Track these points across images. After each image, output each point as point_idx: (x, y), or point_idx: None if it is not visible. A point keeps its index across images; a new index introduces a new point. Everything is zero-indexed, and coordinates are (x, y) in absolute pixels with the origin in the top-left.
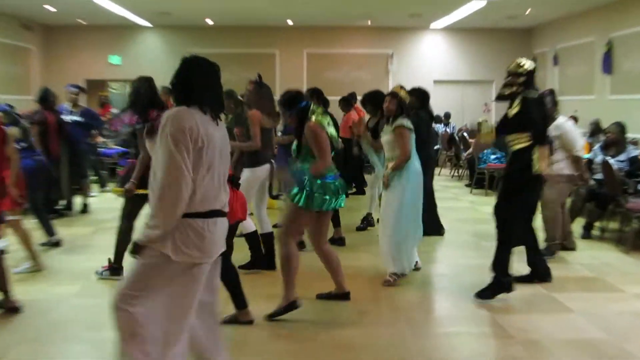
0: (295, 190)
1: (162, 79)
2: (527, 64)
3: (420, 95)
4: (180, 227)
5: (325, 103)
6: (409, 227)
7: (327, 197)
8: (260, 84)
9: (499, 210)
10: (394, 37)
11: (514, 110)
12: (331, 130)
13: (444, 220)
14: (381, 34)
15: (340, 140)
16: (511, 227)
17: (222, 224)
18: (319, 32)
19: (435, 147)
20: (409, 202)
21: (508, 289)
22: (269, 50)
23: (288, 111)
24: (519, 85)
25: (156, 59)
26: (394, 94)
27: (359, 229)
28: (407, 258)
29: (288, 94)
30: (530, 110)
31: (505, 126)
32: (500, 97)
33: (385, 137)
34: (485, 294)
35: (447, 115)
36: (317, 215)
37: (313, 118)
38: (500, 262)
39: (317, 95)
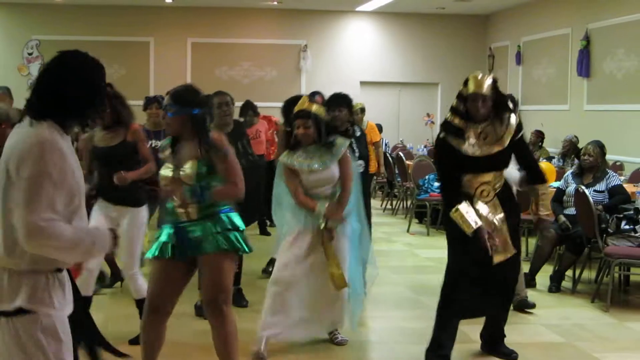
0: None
1: None
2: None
3: (350, 105)
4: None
5: None
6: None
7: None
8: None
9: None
10: (308, 23)
11: (509, 137)
12: None
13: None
14: (291, 18)
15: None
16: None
17: None
18: (208, 15)
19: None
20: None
21: None
22: (141, 37)
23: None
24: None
25: None
26: (307, 114)
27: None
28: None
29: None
30: (523, 135)
31: (500, 162)
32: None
33: (320, 171)
34: None
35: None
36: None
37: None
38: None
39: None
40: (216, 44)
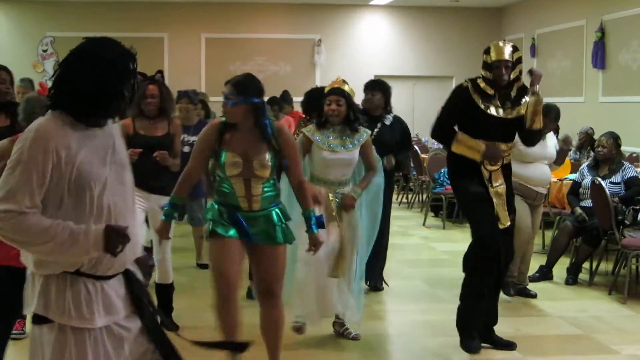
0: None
1: (12, 70)
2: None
3: (385, 90)
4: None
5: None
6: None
7: None
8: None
9: None
10: (322, 18)
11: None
12: None
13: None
14: (305, 13)
15: None
16: None
17: None
18: (222, 10)
19: None
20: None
21: None
22: (155, 33)
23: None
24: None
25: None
26: (341, 92)
27: None
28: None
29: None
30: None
31: (519, 128)
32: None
33: (341, 152)
34: None
35: None
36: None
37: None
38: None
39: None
40: (230, 39)
